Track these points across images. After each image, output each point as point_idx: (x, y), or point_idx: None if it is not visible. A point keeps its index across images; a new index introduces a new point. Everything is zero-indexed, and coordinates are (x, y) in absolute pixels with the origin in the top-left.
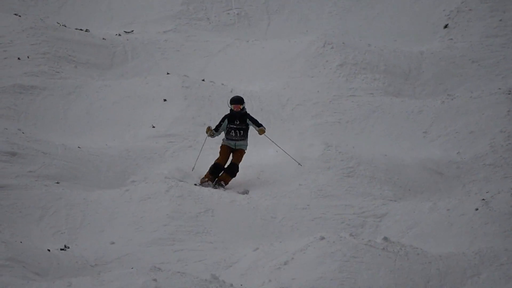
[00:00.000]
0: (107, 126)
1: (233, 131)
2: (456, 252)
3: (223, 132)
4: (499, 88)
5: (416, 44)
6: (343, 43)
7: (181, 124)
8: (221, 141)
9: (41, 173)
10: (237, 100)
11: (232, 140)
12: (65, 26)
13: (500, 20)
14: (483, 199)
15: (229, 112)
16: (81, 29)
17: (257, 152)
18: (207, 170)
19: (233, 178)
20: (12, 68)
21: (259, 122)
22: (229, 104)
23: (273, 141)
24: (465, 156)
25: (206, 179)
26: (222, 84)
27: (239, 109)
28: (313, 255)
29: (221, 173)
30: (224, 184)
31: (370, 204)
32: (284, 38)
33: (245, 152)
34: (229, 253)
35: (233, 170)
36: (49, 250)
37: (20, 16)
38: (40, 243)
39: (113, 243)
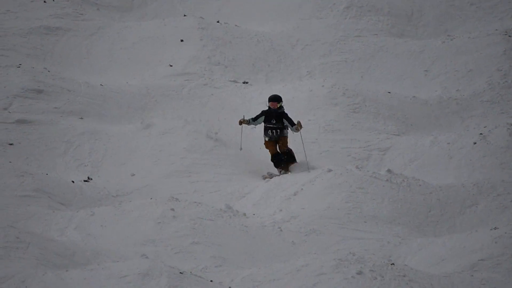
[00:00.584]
0: (128, 65)
1: (269, 130)
2: (456, 183)
3: (256, 125)
4: (496, 29)
5: None
6: None
7: (197, 63)
8: (264, 139)
9: (65, 109)
10: (275, 98)
11: (271, 138)
12: None
13: None
14: (481, 134)
15: (266, 109)
16: None
17: (270, 88)
18: (276, 167)
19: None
20: (39, 10)
21: (294, 122)
22: (267, 102)
23: (302, 140)
24: (464, 93)
25: (283, 171)
26: (236, 26)
27: (276, 107)
28: (321, 186)
29: (283, 164)
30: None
31: (374, 138)
32: None
33: (287, 138)
34: (242, 184)
35: (291, 156)
36: (73, 182)
37: None
38: (64, 175)
39: (133, 175)
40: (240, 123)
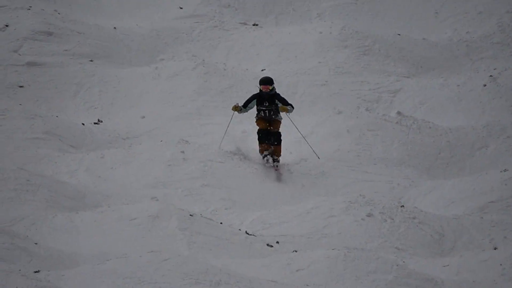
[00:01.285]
0: (138, 8)
1: (262, 112)
2: (465, 125)
3: (250, 111)
4: None
5: None
6: None
7: (207, 5)
8: (254, 118)
9: (76, 52)
10: (266, 81)
11: (264, 120)
12: None
13: None
14: (491, 76)
15: (258, 92)
16: None
17: (280, 31)
18: (259, 142)
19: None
20: None
21: (288, 102)
22: (258, 85)
23: (295, 125)
24: (474, 35)
25: (264, 154)
26: None
27: (268, 90)
28: (331, 129)
29: (270, 149)
30: (279, 160)
31: (384, 81)
32: None
33: (281, 122)
34: (252, 127)
35: (279, 138)
36: (83, 124)
37: None
38: (75, 117)
39: (143, 117)
40: (235, 108)
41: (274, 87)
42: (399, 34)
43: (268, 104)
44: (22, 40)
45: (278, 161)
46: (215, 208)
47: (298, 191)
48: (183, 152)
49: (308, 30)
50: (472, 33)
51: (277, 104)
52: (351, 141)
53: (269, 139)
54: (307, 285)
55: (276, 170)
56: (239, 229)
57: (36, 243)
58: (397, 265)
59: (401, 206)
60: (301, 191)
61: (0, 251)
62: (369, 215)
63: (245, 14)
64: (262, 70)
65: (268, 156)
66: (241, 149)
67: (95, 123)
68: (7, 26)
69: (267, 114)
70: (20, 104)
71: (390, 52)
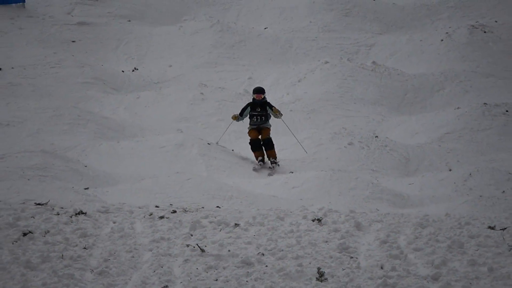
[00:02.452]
0: None
1: (255, 117)
2: (427, 72)
3: (247, 118)
4: None
5: None
6: None
7: None
8: (247, 128)
9: (116, 14)
10: (259, 91)
11: (255, 124)
12: None
13: None
14: (447, 33)
15: (251, 100)
16: None
17: None
18: (253, 152)
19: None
20: None
21: (278, 110)
22: (252, 93)
23: (289, 129)
24: (434, 0)
25: (259, 160)
26: None
27: (261, 98)
28: (320, 75)
29: (264, 154)
30: (276, 161)
31: (362, 37)
32: None
33: (270, 129)
34: (257, 74)
35: (270, 143)
36: (123, 71)
37: None
38: (116, 66)
39: (170, 66)
40: (234, 117)
41: (265, 96)
42: (374, 0)
43: (260, 110)
44: (74, 4)
45: (275, 162)
46: (228, 138)
47: (295, 126)
48: (202, 93)
49: None
50: None
51: (267, 111)
52: (336, 84)
53: (261, 147)
54: (301, 199)
55: (271, 169)
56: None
57: (85, 166)
58: (372, 183)
59: (375, 137)
60: (297, 125)
61: (57, 172)
62: (350, 144)
63: None
64: (265, 28)
65: (263, 161)
66: (248, 91)
67: (132, 71)
68: None
69: (259, 119)
70: (73, 55)
71: (366, 14)
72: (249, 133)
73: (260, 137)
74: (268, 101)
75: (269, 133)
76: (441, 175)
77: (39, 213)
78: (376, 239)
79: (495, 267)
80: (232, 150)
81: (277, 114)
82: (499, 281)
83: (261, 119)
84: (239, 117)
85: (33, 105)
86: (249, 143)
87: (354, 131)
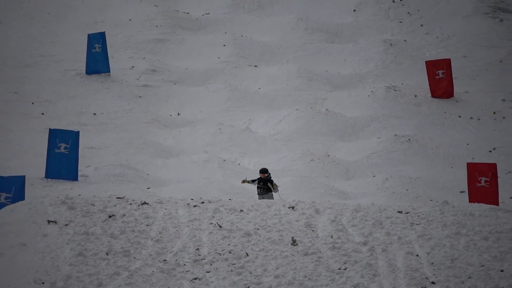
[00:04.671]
0: (196, 55)
1: (260, 189)
2: (359, 115)
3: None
4: None
5: None
6: None
7: (231, 56)
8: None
9: (167, 79)
10: (264, 171)
11: (260, 194)
12: None
13: None
14: (372, 91)
15: (259, 176)
16: None
17: (268, 69)
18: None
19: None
20: None
21: (276, 184)
22: (259, 172)
23: (279, 195)
24: (363, 70)
25: None
26: None
27: (265, 176)
28: (293, 117)
29: None
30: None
31: (319, 93)
32: None
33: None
34: (254, 117)
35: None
36: (170, 115)
37: None
38: (166, 112)
39: (200, 111)
40: (243, 181)
41: (269, 174)
42: (326, 71)
43: (263, 184)
44: (140, 74)
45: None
46: (236, 157)
47: (277, 148)
48: (220, 129)
49: (282, 67)
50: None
51: (269, 185)
52: (303, 123)
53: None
54: (281, 195)
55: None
56: (248, 168)
57: (147, 174)
58: (325, 185)
59: (327, 155)
60: (278, 147)
61: (130, 178)
62: (311, 160)
63: (250, 60)
64: (259, 88)
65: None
66: (249, 127)
67: (176, 115)
68: (133, 67)
69: (263, 190)
70: (139, 105)
71: (322, 79)
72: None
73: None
74: (271, 178)
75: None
76: (368, 180)
77: (119, 203)
78: (328, 219)
79: (402, 236)
80: (239, 164)
81: (275, 188)
82: (404, 245)
83: (264, 190)
84: (251, 182)
85: (115, 136)
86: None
87: (314, 152)
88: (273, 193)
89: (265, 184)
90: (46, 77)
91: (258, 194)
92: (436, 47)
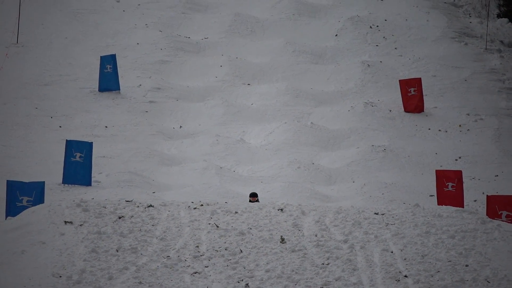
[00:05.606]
0: (196, 72)
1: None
2: (340, 128)
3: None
4: None
5: None
6: None
7: (227, 75)
8: None
9: (171, 96)
10: (254, 195)
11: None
12: None
13: None
14: (352, 106)
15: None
16: None
17: (260, 86)
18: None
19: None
20: None
21: None
22: (249, 196)
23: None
24: (345, 88)
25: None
26: None
27: (255, 200)
28: (281, 130)
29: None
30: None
31: (305, 108)
32: None
33: None
34: (247, 129)
35: None
36: (173, 128)
37: None
38: (170, 125)
39: (200, 124)
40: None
41: (258, 198)
42: (311, 88)
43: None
44: (147, 91)
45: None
46: (232, 165)
47: (268, 157)
48: (217, 140)
49: (272, 85)
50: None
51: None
52: (290, 135)
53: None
54: (271, 198)
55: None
56: (243, 175)
57: (153, 180)
58: (310, 189)
59: (312, 163)
60: (269, 156)
61: (137, 183)
62: (298, 167)
63: (243, 79)
64: (252, 104)
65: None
66: (244, 139)
67: (179, 127)
68: (140, 85)
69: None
70: (146, 119)
71: (307, 96)
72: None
73: None
74: (258, 200)
75: None
76: (348, 185)
77: (128, 206)
78: (312, 220)
79: (378, 235)
80: (234, 171)
81: None
82: (380, 243)
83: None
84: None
85: (124, 146)
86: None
87: (301, 161)
88: None
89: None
90: (63, 94)
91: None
92: (409, 67)
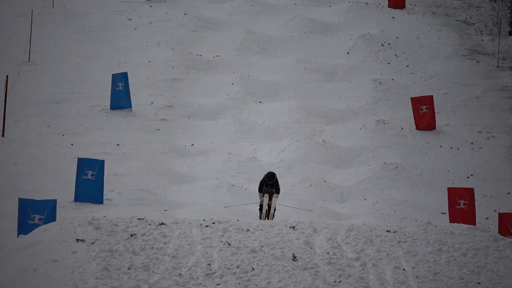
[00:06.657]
0: (208, 90)
1: (265, 187)
2: (352, 145)
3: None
4: None
5: None
6: None
7: (239, 93)
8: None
9: (182, 114)
10: (271, 177)
11: (266, 191)
12: None
13: None
14: (363, 124)
15: (264, 179)
16: None
17: (272, 104)
18: (259, 213)
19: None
20: None
21: (279, 188)
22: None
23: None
24: (356, 106)
25: (262, 217)
26: None
27: (272, 182)
28: (293, 147)
29: (265, 217)
30: (273, 216)
31: (317, 126)
32: None
33: (276, 196)
34: (259, 147)
35: (272, 210)
36: (185, 145)
37: None
38: (181, 142)
39: (211, 142)
40: (260, 206)
41: (276, 178)
42: (323, 106)
43: (270, 185)
44: (158, 109)
45: (272, 218)
46: (243, 182)
47: (280, 173)
48: (229, 157)
49: (283, 103)
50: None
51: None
52: (302, 153)
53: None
54: (283, 216)
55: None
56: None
57: (165, 198)
58: (322, 207)
59: (324, 181)
60: (281, 173)
61: (149, 201)
62: (310, 185)
63: (255, 97)
64: (263, 122)
65: (264, 217)
66: (256, 157)
67: (191, 145)
68: (152, 103)
69: (269, 189)
70: (158, 137)
71: (319, 114)
72: (260, 201)
73: (267, 202)
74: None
75: (275, 201)
76: (360, 202)
77: (139, 223)
78: (324, 237)
79: (390, 253)
80: (245, 189)
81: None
82: (392, 261)
83: (270, 189)
84: (261, 196)
85: (136, 164)
86: (259, 206)
87: (312, 178)
88: (274, 195)
89: (272, 186)
90: (75, 112)
91: (261, 194)
92: (420, 85)
